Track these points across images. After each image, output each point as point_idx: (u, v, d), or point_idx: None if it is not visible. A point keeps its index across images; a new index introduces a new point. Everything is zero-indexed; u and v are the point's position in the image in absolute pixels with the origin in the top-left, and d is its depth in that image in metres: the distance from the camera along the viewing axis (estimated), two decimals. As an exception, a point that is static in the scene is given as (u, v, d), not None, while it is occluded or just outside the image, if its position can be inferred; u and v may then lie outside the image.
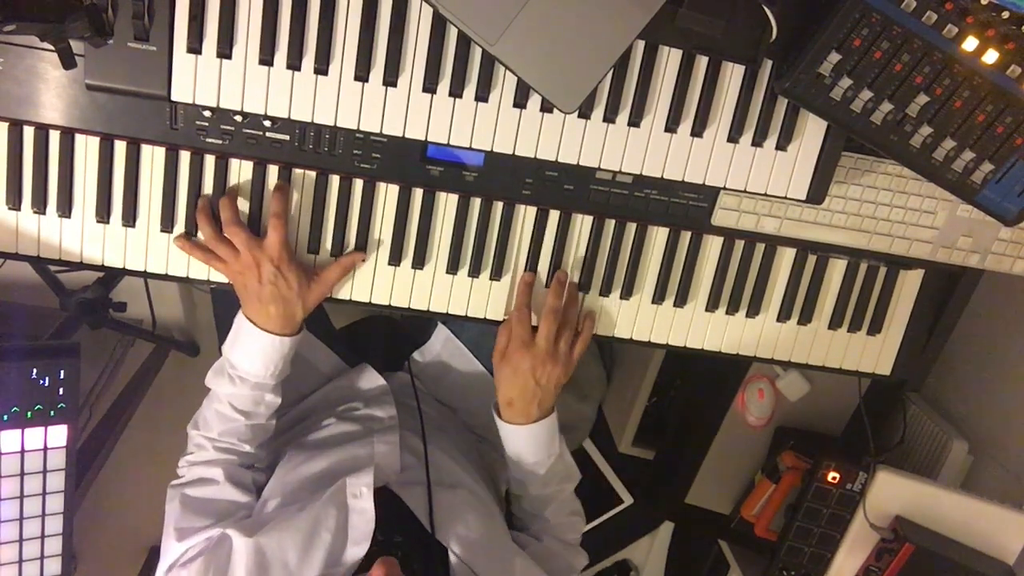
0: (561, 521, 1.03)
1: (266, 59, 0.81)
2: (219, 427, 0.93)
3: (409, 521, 0.85)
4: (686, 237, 1.00)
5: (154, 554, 1.74)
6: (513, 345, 0.95)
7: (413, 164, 0.93)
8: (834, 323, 1.05)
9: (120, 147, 0.90)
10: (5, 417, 0.93)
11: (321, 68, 0.82)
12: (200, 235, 0.92)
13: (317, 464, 0.92)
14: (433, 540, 0.83)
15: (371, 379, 1.13)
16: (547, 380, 0.95)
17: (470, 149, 0.87)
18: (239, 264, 0.89)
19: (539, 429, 0.97)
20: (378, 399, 1.07)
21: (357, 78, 0.83)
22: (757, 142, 0.90)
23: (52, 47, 0.73)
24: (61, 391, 0.96)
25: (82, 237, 0.92)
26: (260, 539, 0.78)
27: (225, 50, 0.81)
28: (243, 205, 0.93)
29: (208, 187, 0.92)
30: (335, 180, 0.93)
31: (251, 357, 0.92)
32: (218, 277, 0.95)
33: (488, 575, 0.81)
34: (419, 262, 0.97)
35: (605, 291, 1.00)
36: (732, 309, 1.03)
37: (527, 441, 0.98)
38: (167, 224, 0.92)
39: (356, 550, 0.78)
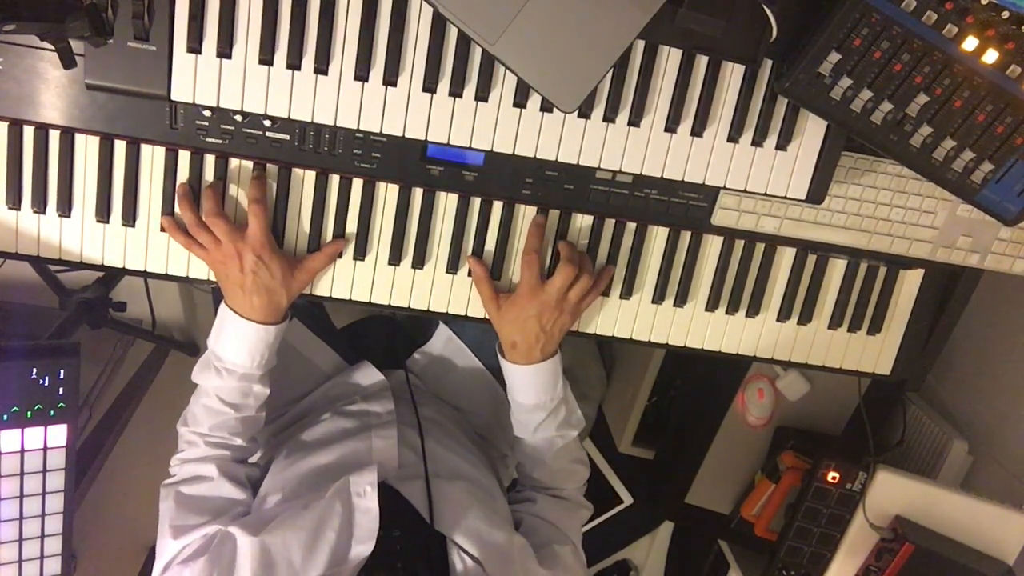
0: (562, 467, 1.03)
1: (266, 59, 0.81)
2: (208, 422, 0.93)
3: (408, 515, 0.85)
4: (686, 237, 1.00)
5: (154, 553, 1.74)
6: (520, 289, 0.94)
7: (413, 164, 0.93)
8: (834, 323, 1.05)
9: (120, 147, 0.90)
10: (5, 417, 0.93)
11: (321, 68, 0.82)
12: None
13: (317, 460, 0.92)
14: (432, 532, 0.83)
15: (370, 375, 1.13)
16: (552, 326, 0.94)
17: (470, 149, 0.87)
18: (220, 253, 0.89)
19: (541, 370, 0.97)
20: (376, 395, 1.07)
21: (357, 78, 0.83)
22: (757, 142, 0.90)
23: (52, 47, 0.73)
24: (61, 391, 0.96)
25: (82, 237, 0.92)
26: (265, 538, 0.78)
27: (225, 50, 0.81)
28: (243, 208, 0.93)
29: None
30: (335, 180, 0.93)
31: (236, 348, 0.91)
32: (218, 277, 0.95)
33: (488, 563, 0.81)
34: (419, 262, 0.97)
35: (605, 291, 1.00)
36: (732, 309, 1.03)
37: (529, 381, 0.98)
38: (167, 224, 0.92)
39: (361, 548, 0.78)
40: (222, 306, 0.92)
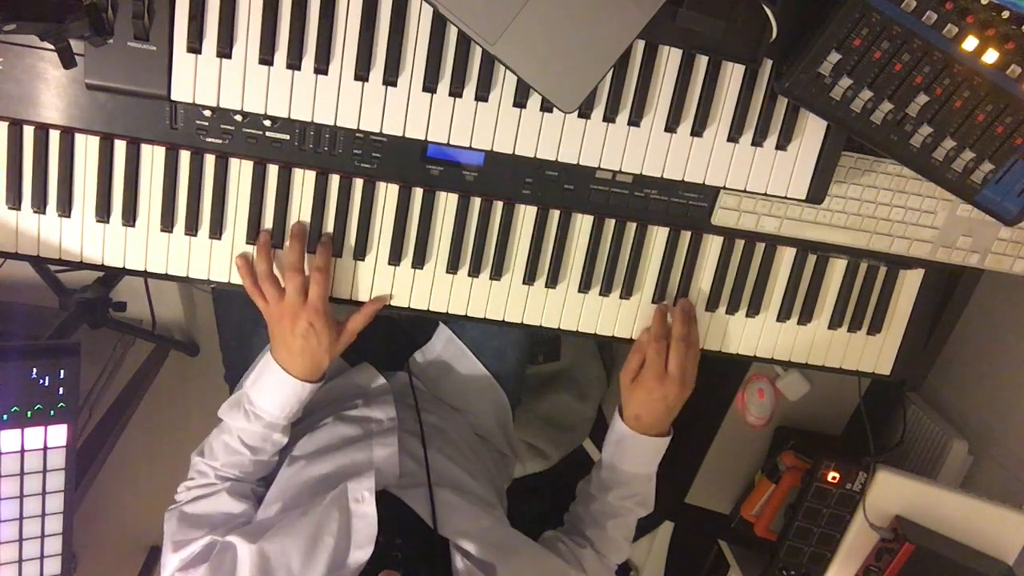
0: (615, 537, 1.05)
1: (266, 59, 0.81)
2: (224, 458, 0.95)
3: (411, 522, 0.85)
4: (686, 237, 1.00)
5: (154, 553, 1.74)
6: (649, 375, 0.97)
7: (413, 164, 0.93)
8: (834, 323, 1.05)
9: (120, 146, 0.90)
10: (5, 417, 0.93)
11: (321, 68, 0.82)
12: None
13: (317, 468, 0.93)
14: (435, 539, 0.83)
15: (371, 378, 1.13)
16: (675, 402, 0.99)
17: (470, 149, 0.87)
18: (278, 309, 0.91)
19: (652, 444, 1.01)
20: (378, 399, 1.08)
21: (357, 78, 0.83)
22: (757, 142, 0.90)
23: (52, 47, 0.73)
24: (61, 391, 0.96)
25: (82, 237, 0.92)
26: (263, 544, 0.78)
27: (225, 50, 0.81)
28: (243, 208, 0.93)
29: (208, 187, 0.92)
30: (335, 180, 0.93)
31: (270, 396, 0.94)
32: (218, 277, 0.95)
33: (498, 562, 0.81)
34: (419, 262, 0.97)
35: (605, 291, 1.00)
36: (732, 309, 1.03)
37: (638, 450, 1.01)
38: (167, 224, 0.92)
39: (359, 554, 0.78)
40: (267, 354, 0.95)
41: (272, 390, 0.94)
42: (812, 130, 0.90)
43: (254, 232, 0.93)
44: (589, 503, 1.06)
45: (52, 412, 0.96)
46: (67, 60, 0.74)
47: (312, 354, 0.92)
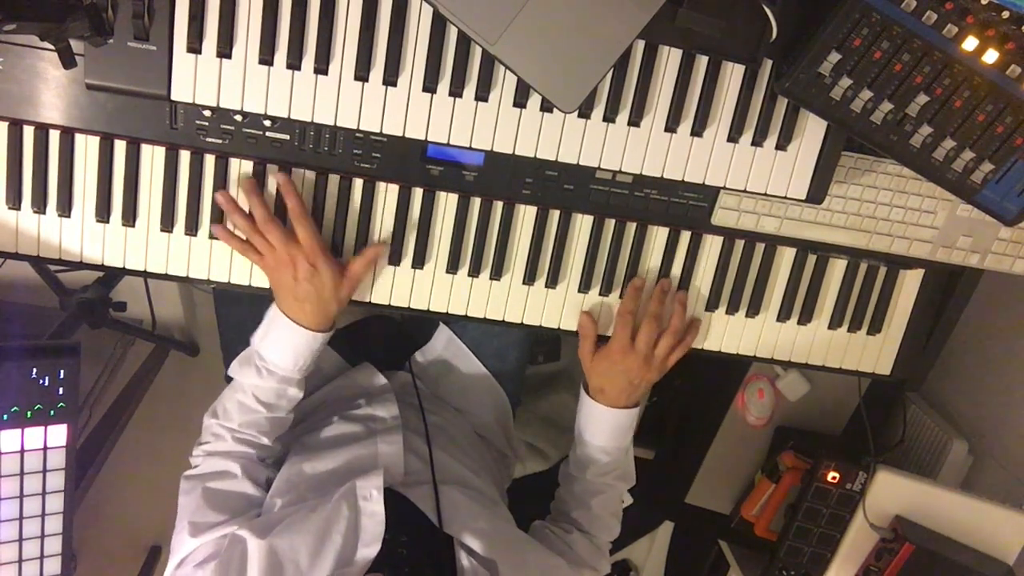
0: (602, 515, 1.05)
1: (266, 59, 0.81)
2: (240, 418, 0.94)
3: (415, 520, 0.85)
4: (686, 237, 1.00)
5: (154, 553, 1.74)
6: (615, 346, 0.97)
7: (413, 164, 0.93)
8: (834, 323, 1.05)
9: (120, 147, 0.90)
10: (5, 417, 0.93)
11: (321, 68, 0.82)
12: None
13: (322, 464, 0.93)
14: (439, 537, 0.83)
15: (373, 377, 1.13)
16: (640, 381, 0.99)
17: (470, 149, 0.87)
18: (274, 259, 0.90)
19: (621, 416, 1.01)
20: (380, 398, 1.08)
21: (357, 78, 0.83)
22: (757, 142, 0.90)
23: (52, 47, 0.73)
24: (61, 391, 0.96)
25: (82, 237, 0.92)
26: (272, 540, 0.78)
27: (225, 50, 0.81)
28: (243, 207, 0.93)
29: (208, 187, 0.92)
30: (335, 180, 0.93)
31: (282, 351, 0.92)
32: (218, 277, 0.95)
33: (501, 560, 0.81)
34: (419, 262, 0.97)
35: (605, 291, 1.00)
36: (732, 309, 1.03)
37: (606, 423, 1.01)
38: (167, 224, 0.92)
39: (367, 552, 0.78)
40: (273, 308, 0.93)
41: (283, 343, 0.92)
42: (812, 130, 0.90)
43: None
44: (571, 484, 1.06)
45: (52, 412, 0.96)
46: (67, 60, 0.74)
47: (320, 298, 0.90)
